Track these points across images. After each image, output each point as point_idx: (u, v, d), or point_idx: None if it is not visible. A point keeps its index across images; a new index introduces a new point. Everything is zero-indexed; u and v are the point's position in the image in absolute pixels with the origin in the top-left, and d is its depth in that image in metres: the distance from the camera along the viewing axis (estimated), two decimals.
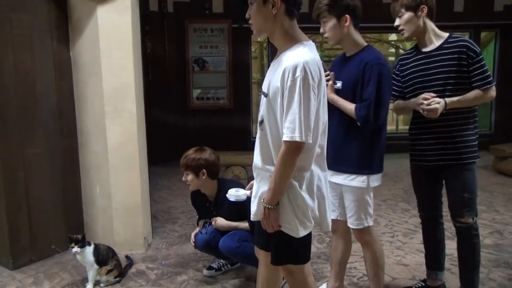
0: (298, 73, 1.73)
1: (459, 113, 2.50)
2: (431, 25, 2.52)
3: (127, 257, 3.46)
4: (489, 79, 2.44)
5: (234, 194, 2.30)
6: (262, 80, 2.64)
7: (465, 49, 2.41)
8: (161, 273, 3.32)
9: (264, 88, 1.95)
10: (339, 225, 2.67)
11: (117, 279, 3.16)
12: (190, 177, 3.03)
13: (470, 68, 2.42)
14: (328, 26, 2.34)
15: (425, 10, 2.46)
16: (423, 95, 2.49)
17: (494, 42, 8.11)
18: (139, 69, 3.58)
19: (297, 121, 1.73)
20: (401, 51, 9.36)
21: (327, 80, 2.41)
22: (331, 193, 2.48)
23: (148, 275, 3.28)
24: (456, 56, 2.42)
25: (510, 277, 3.13)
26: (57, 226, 3.66)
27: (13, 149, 3.33)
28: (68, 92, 3.65)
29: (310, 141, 1.79)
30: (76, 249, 3.00)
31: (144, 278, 3.24)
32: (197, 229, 3.21)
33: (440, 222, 2.79)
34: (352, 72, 2.38)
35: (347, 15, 2.31)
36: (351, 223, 2.51)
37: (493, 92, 2.48)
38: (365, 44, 2.43)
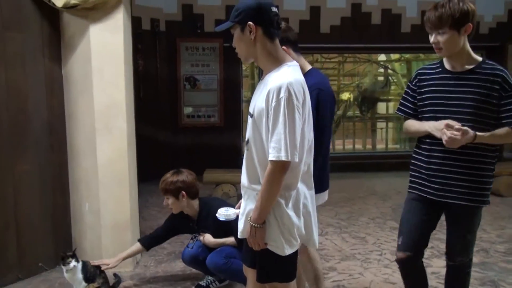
0: (282, 94, 1.78)
1: (484, 149, 2.20)
2: (467, 45, 2.21)
3: (115, 274, 3.43)
4: None
5: (224, 213, 2.32)
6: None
7: (500, 79, 2.14)
8: None
9: (250, 109, 2.00)
10: None
11: None
12: (170, 200, 3.10)
13: (502, 102, 2.14)
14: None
15: (470, 30, 2.15)
16: (447, 122, 2.15)
17: None
18: (130, 87, 3.62)
19: (283, 141, 1.77)
20: (390, 71, 9.49)
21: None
22: None
23: None
24: (488, 85, 2.14)
25: None
26: (45, 243, 3.65)
27: (4, 165, 3.33)
28: (59, 109, 3.67)
29: (296, 160, 1.83)
30: (74, 263, 3.01)
31: None
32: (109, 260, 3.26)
33: (422, 264, 2.44)
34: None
35: (283, 47, 2.17)
36: None
37: None
38: (309, 67, 2.51)
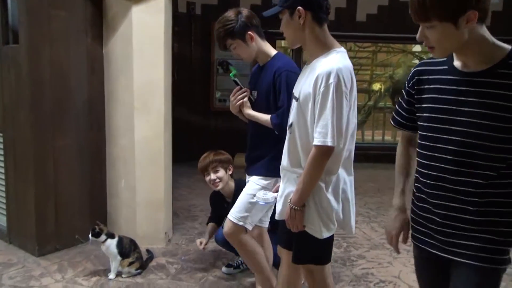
0: (331, 79, 1.79)
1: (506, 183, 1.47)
2: (484, 33, 1.43)
3: (148, 250, 3.54)
4: None
5: (262, 197, 2.33)
6: None
7: None
8: (180, 268, 3.39)
9: (296, 92, 2.01)
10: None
11: (138, 271, 3.25)
12: (221, 173, 3.06)
13: None
14: (238, 49, 2.45)
15: (475, 18, 1.36)
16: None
17: None
18: (168, 68, 3.67)
19: (329, 126, 1.79)
20: None
21: (242, 98, 2.50)
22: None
23: (168, 269, 3.36)
24: (507, 93, 1.39)
25: None
26: (82, 216, 3.77)
27: (45, 139, 3.45)
28: (99, 87, 3.76)
29: (341, 146, 1.85)
30: (104, 237, 3.15)
31: (164, 272, 3.32)
32: (203, 240, 3.31)
33: None
34: (265, 81, 2.45)
35: (249, 32, 2.40)
36: (231, 215, 2.59)
37: None
38: (275, 52, 2.52)
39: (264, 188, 2.49)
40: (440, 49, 1.47)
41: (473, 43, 1.43)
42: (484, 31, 1.44)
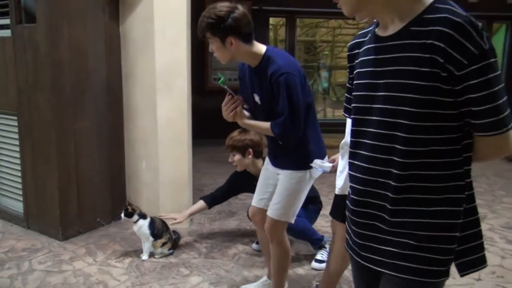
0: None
1: (442, 175, 1.19)
2: None
3: (174, 231, 3.54)
4: (503, 115, 1.11)
5: (319, 164, 2.34)
6: None
7: (441, 42, 1.08)
8: (210, 246, 3.42)
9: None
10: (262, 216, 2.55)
11: (171, 251, 3.26)
12: (237, 157, 3.14)
13: (458, 87, 1.10)
14: (215, 46, 2.14)
15: None
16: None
17: (505, 35, 8.24)
18: (189, 47, 3.61)
19: None
20: None
21: (235, 107, 2.23)
22: (268, 181, 2.50)
23: (199, 249, 3.38)
24: (427, 56, 1.11)
25: None
26: (103, 199, 3.73)
27: (66, 122, 3.37)
28: (117, 67, 3.69)
29: None
30: (123, 216, 3.13)
31: (195, 251, 3.34)
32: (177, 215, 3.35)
33: None
34: (264, 86, 2.21)
35: (230, 37, 2.08)
36: (272, 213, 2.39)
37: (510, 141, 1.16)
38: (263, 52, 2.19)
39: (300, 181, 2.38)
40: (344, 3, 1.23)
41: (381, 1, 1.19)
42: None
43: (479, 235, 1.26)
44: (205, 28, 2.08)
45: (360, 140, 1.29)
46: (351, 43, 1.41)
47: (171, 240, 3.27)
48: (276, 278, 2.55)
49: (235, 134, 3.18)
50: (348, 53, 1.41)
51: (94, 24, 3.46)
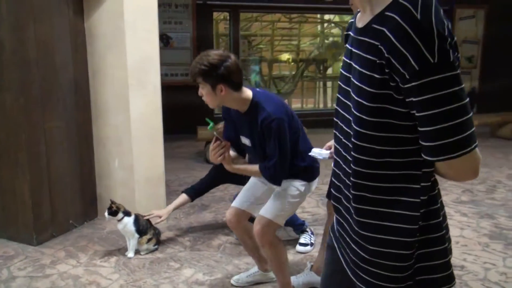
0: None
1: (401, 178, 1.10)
2: None
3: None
4: (455, 139, 0.96)
5: (318, 152, 2.48)
6: None
7: (384, 48, 0.98)
8: (193, 239, 3.46)
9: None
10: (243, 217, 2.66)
11: (156, 246, 3.26)
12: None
13: (407, 99, 0.99)
14: (205, 91, 2.21)
15: None
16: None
17: None
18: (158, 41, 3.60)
19: None
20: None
21: (223, 152, 2.29)
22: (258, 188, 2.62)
23: (182, 242, 3.41)
24: (378, 60, 1.00)
25: (496, 225, 3.71)
26: (74, 201, 3.64)
27: (36, 122, 3.25)
28: (83, 64, 3.59)
29: None
30: (106, 214, 3.10)
31: (180, 245, 3.37)
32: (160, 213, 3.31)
33: None
34: (255, 131, 2.30)
35: (221, 85, 2.15)
36: (267, 213, 2.44)
37: (470, 165, 1.01)
38: (250, 97, 2.27)
39: (302, 193, 2.49)
40: None
41: None
42: None
43: (443, 253, 1.14)
44: (197, 74, 2.16)
45: (337, 133, 1.24)
46: (349, 22, 1.24)
47: (156, 235, 3.28)
48: (279, 276, 2.57)
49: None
50: (345, 33, 1.27)
51: (59, 20, 3.35)
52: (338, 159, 1.24)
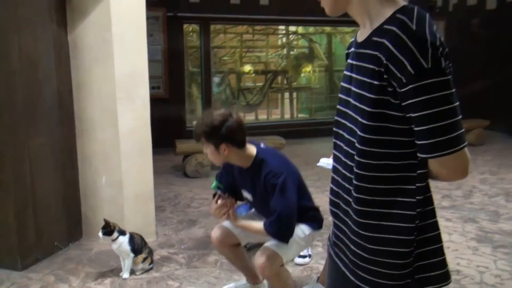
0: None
1: (375, 180, 1.18)
2: None
3: None
4: (447, 137, 1.06)
5: (326, 162, 2.46)
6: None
7: (383, 56, 1.08)
8: (188, 256, 3.36)
9: None
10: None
11: (151, 266, 3.15)
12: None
13: (403, 104, 1.09)
14: (209, 151, 2.28)
15: None
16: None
17: None
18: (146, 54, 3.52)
19: None
20: (316, 44, 9.91)
21: (229, 209, 2.35)
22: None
23: (177, 260, 3.31)
24: (377, 68, 1.10)
25: (480, 228, 3.83)
26: (59, 222, 3.47)
27: (21, 139, 3.08)
28: (67, 78, 3.45)
29: None
30: (100, 234, 2.98)
31: (175, 262, 3.27)
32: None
33: None
34: (258, 186, 2.33)
35: (223, 144, 2.21)
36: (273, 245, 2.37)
37: (460, 163, 1.11)
38: (254, 153, 2.33)
39: (308, 237, 2.47)
40: (325, 4, 1.23)
41: (357, 2, 1.17)
42: None
43: (438, 252, 1.22)
44: (200, 135, 2.25)
45: (339, 142, 1.30)
46: (350, 41, 1.35)
47: (151, 254, 3.17)
48: None
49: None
50: (346, 51, 1.37)
51: (43, 32, 3.21)
52: (337, 165, 1.32)
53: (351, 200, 1.22)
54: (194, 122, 8.18)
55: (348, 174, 1.23)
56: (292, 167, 2.40)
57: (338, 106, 1.31)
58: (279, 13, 7.73)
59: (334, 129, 1.34)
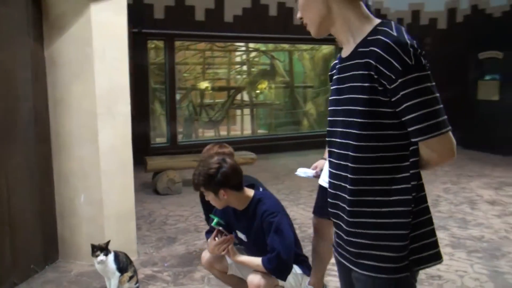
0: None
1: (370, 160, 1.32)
2: (346, 9, 1.35)
3: None
4: (434, 121, 1.24)
5: (304, 171, 2.57)
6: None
7: (373, 60, 1.25)
8: (173, 273, 3.31)
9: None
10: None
11: (137, 284, 3.07)
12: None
13: (393, 99, 1.25)
14: (210, 197, 2.37)
15: None
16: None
17: None
18: (128, 69, 3.48)
19: None
20: (277, 61, 10.10)
21: (228, 245, 2.40)
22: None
23: (163, 278, 3.25)
24: (367, 72, 1.28)
25: (452, 235, 4.00)
26: (35, 243, 3.33)
27: None
28: (44, 94, 3.36)
29: None
30: (101, 257, 2.85)
31: (161, 281, 3.21)
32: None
33: None
34: (255, 226, 2.39)
35: (222, 190, 2.30)
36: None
37: (448, 145, 1.28)
38: (251, 195, 2.41)
39: (298, 277, 2.53)
40: (310, 26, 1.42)
41: (341, 22, 1.36)
42: (355, 7, 1.35)
43: (431, 233, 1.35)
44: (198, 185, 2.34)
45: (331, 149, 1.46)
46: (333, 63, 1.55)
47: (135, 273, 3.09)
48: None
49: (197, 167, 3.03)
50: (329, 74, 1.59)
51: (20, 48, 3.11)
52: (333, 170, 1.45)
53: (347, 196, 1.36)
54: (158, 139, 8.14)
55: (344, 174, 1.37)
56: (285, 210, 2.49)
57: (328, 118, 1.48)
58: (243, 30, 7.85)
59: (327, 138, 1.48)
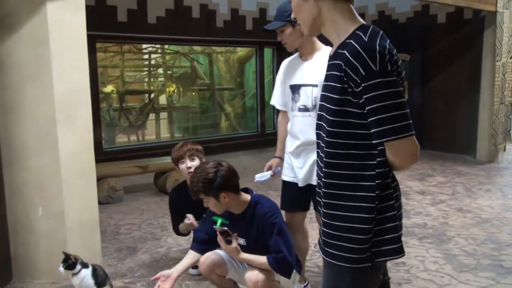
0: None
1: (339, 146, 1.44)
2: (333, 12, 1.45)
3: None
4: (392, 126, 1.33)
5: (260, 175, 2.68)
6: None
7: (343, 63, 1.36)
8: (147, 284, 3.18)
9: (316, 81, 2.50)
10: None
11: None
12: (196, 162, 3.10)
13: (361, 101, 1.35)
14: (210, 204, 2.37)
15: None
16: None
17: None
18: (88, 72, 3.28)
19: None
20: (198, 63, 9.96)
21: (230, 244, 2.37)
22: None
23: None
24: (339, 74, 1.39)
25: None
26: None
27: None
28: None
29: None
30: (79, 267, 2.71)
31: None
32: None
33: None
34: (253, 228, 2.42)
35: (223, 193, 2.32)
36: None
37: (409, 149, 1.38)
38: (249, 198, 2.45)
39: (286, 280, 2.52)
40: (304, 28, 1.53)
41: (329, 23, 1.46)
42: (342, 9, 1.44)
43: (395, 229, 1.43)
44: (198, 192, 2.33)
45: (318, 141, 1.57)
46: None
47: (111, 286, 2.93)
48: None
49: (187, 143, 3.14)
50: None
51: None
52: (319, 161, 1.55)
53: (322, 185, 1.48)
54: None
55: (321, 164, 1.50)
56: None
57: (318, 112, 1.58)
58: (167, 32, 7.69)
59: (316, 131, 1.58)
